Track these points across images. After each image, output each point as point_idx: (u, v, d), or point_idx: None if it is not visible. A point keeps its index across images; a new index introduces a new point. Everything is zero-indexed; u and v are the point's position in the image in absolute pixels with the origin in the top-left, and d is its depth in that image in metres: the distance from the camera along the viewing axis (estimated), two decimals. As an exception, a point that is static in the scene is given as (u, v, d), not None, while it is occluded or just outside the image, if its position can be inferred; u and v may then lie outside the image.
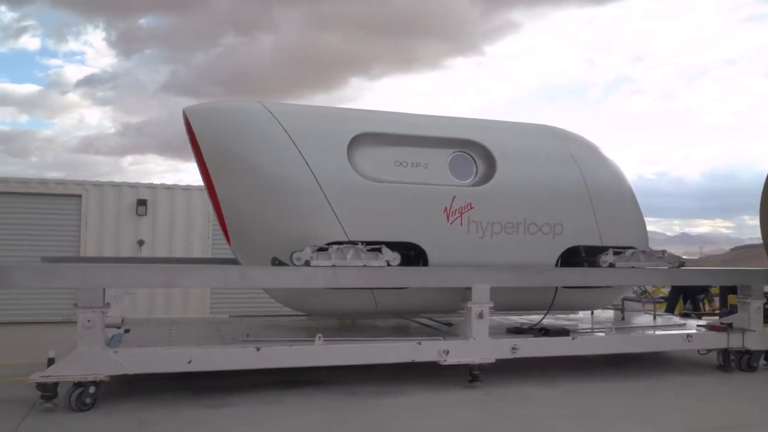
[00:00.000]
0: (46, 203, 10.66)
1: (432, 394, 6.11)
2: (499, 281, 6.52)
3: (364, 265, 6.13)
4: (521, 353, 6.51)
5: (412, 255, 6.63)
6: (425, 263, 6.59)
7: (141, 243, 10.88)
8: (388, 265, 6.24)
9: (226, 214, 6.43)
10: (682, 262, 7.46)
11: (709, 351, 7.62)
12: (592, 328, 7.50)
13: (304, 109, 6.77)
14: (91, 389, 5.31)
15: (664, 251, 7.41)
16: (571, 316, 8.70)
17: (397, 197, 6.47)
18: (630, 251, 7.19)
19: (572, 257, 7.25)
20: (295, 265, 5.96)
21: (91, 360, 5.29)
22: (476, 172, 6.95)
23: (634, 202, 7.56)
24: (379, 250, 6.24)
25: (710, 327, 7.48)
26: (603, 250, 7.11)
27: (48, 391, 5.29)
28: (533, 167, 7.05)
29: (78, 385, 5.29)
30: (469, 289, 6.35)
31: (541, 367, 7.03)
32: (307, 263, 5.97)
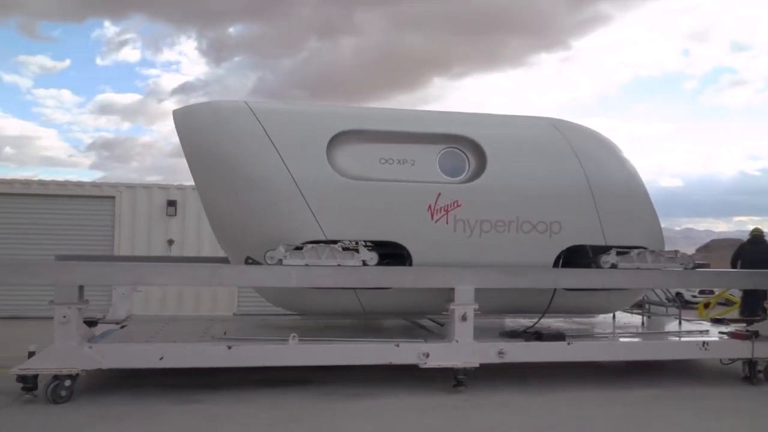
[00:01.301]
0: (83, 205, 11.22)
1: (409, 397, 5.91)
2: (485, 282, 6.22)
3: (339, 265, 6.02)
4: (509, 358, 6.19)
5: (405, 255, 6.46)
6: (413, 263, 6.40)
7: (171, 242, 11.25)
8: (365, 264, 6.11)
9: (208, 213, 6.50)
10: (696, 264, 6.85)
11: (733, 361, 6.96)
12: (614, 332, 7.00)
13: (288, 107, 6.73)
14: (67, 382, 5.49)
15: (676, 252, 6.82)
16: (590, 320, 8.20)
17: (378, 195, 6.30)
18: (636, 251, 6.68)
19: (578, 257, 6.83)
20: (268, 264, 5.94)
21: (67, 354, 5.48)
22: (468, 169, 6.67)
23: (645, 199, 7.01)
24: (356, 249, 6.12)
25: (733, 335, 6.83)
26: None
27: (28, 383, 5.54)
28: (528, 162, 6.67)
29: (55, 378, 5.50)
30: (452, 290, 6.11)
31: (545, 374, 6.68)
32: (280, 262, 5.94)
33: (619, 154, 7.12)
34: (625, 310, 8.51)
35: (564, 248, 6.69)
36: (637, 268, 6.61)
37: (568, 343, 6.34)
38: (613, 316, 8.46)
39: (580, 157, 6.74)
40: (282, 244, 6.00)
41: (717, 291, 10.83)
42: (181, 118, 6.37)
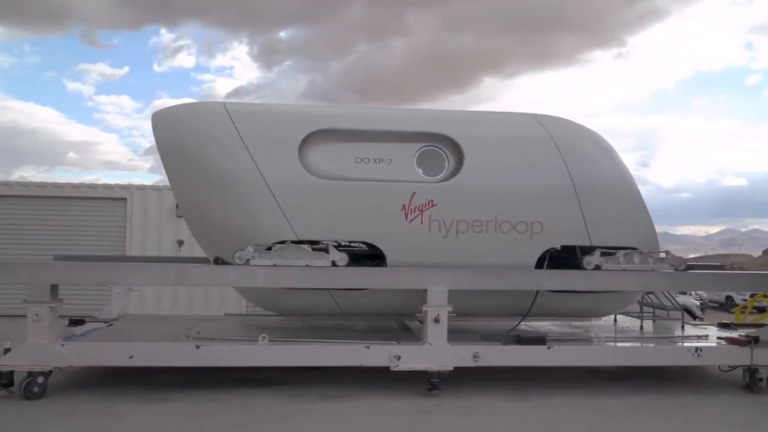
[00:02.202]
0: (96, 206, 11.55)
1: (382, 400, 5.81)
2: (459, 284, 6.06)
3: (307, 265, 5.97)
4: (484, 362, 6.00)
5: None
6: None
7: (180, 243, 11.45)
8: (334, 265, 6.04)
9: (183, 213, 6.55)
10: (688, 266, 6.49)
11: (732, 368, 6.58)
12: (599, 336, 6.71)
13: (263, 108, 6.70)
14: (40, 379, 5.62)
15: (666, 252, 6.49)
16: (591, 323, 7.90)
17: (350, 195, 6.22)
18: (622, 252, 6.39)
19: (572, 259, 6.59)
20: (236, 264, 5.94)
21: (39, 352, 5.61)
22: (447, 168, 6.52)
23: (635, 198, 6.69)
24: (326, 249, 6.06)
25: (730, 340, 6.45)
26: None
27: (3, 379, 5.68)
28: (508, 160, 6.46)
29: (29, 374, 5.63)
30: (425, 291, 5.98)
31: (534, 378, 6.46)
32: (248, 262, 5.93)
33: (608, 152, 6.82)
34: (627, 314, 8.18)
35: (546, 249, 6.46)
36: (623, 270, 6.32)
37: (548, 347, 6.10)
38: (615, 320, 8.16)
39: (564, 155, 6.49)
40: (251, 244, 6.00)
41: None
42: (158, 119, 6.43)
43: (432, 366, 5.92)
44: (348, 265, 6.20)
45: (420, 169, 6.50)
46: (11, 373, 5.70)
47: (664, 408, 5.77)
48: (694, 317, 12.30)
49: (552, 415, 5.47)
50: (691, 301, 14.17)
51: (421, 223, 6.27)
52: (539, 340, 6.22)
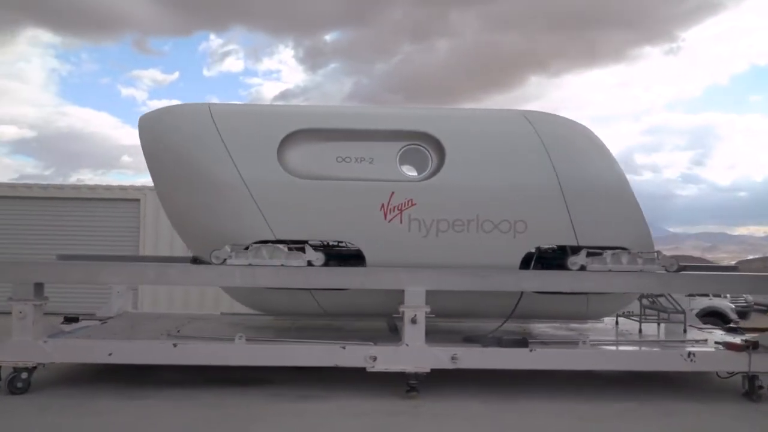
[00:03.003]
0: (111, 207, 11.87)
1: (358, 401, 5.74)
2: (438, 284, 5.95)
3: (282, 265, 5.97)
4: (463, 364, 5.87)
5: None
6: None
7: None
8: (310, 264, 6.02)
9: (167, 213, 6.64)
10: (681, 267, 6.20)
11: (732, 374, 6.27)
12: (586, 339, 6.50)
13: (246, 108, 6.73)
14: (23, 375, 5.77)
15: (657, 252, 6.22)
16: (593, 326, 7.67)
17: (328, 194, 6.18)
18: (610, 252, 6.16)
19: (562, 259, 6.40)
20: (213, 263, 5.98)
21: (22, 348, 5.76)
22: (430, 166, 6.42)
23: (626, 196, 6.44)
24: (302, 249, 6.04)
25: (728, 345, 6.13)
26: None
27: (-13, 374, 5.88)
28: (490, 158, 6.31)
29: (14, 370, 5.80)
30: (403, 291, 5.90)
31: (525, 381, 6.30)
32: (225, 262, 5.97)
33: (599, 149, 6.58)
34: (632, 316, 7.89)
35: (530, 249, 6.29)
36: (609, 271, 6.09)
37: (530, 350, 5.93)
38: (616, 322, 7.89)
39: (550, 153, 6.30)
40: (228, 243, 6.03)
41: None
42: (144, 121, 6.53)
43: (408, 367, 5.83)
44: (326, 264, 6.18)
45: (403, 168, 6.44)
46: (-2, 368, 5.89)
47: (646, 416, 5.52)
48: (728, 321, 11.80)
49: (526, 422, 5.30)
50: (726, 304, 13.59)
51: (401, 222, 6.19)
52: (521, 342, 6.04)
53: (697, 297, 12.54)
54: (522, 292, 6.32)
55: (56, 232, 11.86)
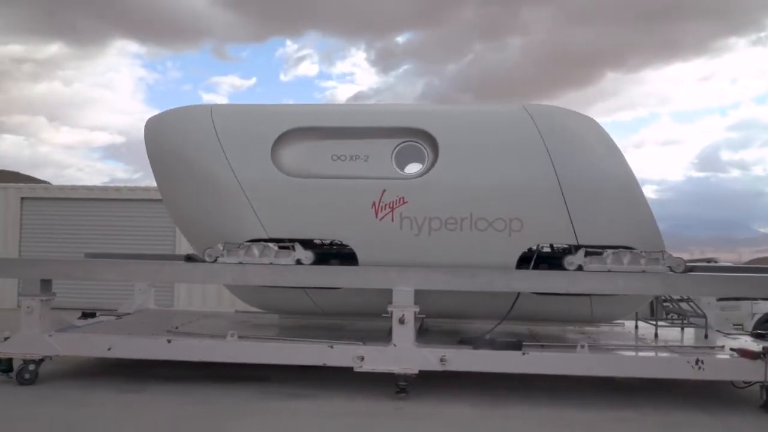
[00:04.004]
0: (149, 207, 12.32)
1: (343, 401, 5.70)
2: (427, 284, 5.83)
3: (271, 263, 6.01)
4: (452, 366, 5.72)
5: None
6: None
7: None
8: (299, 263, 6.03)
9: (170, 213, 6.81)
10: (688, 267, 5.79)
11: (748, 384, 5.81)
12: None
13: (243, 108, 6.77)
14: (31, 367, 6.06)
15: (662, 252, 5.83)
16: (608, 329, 7.31)
17: (320, 193, 6.17)
18: (610, 252, 5.84)
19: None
20: (206, 261, 6.10)
21: (30, 342, 6.06)
22: (426, 164, 6.30)
23: (631, 192, 6.08)
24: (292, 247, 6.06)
25: (741, 352, 5.69)
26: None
27: (2, 365, 6.21)
28: (485, 154, 6.11)
29: (24, 362, 6.11)
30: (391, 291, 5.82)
31: (529, 384, 6.06)
32: (217, 260, 6.07)
33: (604, 144, 6.23)
34: (648, 320, 7.48)
35: (527, 248, 6.05)
36: (608, 271, 5.77)
37: (523, 353, 5.71)
38: (636, 326, 7.48)
39: (549, 147, 6.03)
40: (221, 242, 6.13)
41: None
42: (149, 124, 6.73)
43: (396, 368, 5.73)
44: (321, 263, 6.18)
45: (398, 166, 6.33)
46: (10, 360, 6.21)
47: (648, 427, 5.20)
48: None
49: (507, 428, 5.11)
50: None
51: (392, 220, 6.10)
52: (514, 345, 5.82)
53: (760, 301, 11.70)
54: (518, 293, 6.09)
55: (101, 232, 12.44)
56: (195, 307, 11.84)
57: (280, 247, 6.13)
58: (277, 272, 5.99)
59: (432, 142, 6.24)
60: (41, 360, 6.13)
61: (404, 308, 5.77)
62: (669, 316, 7.31)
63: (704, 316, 6.72)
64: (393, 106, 6.74)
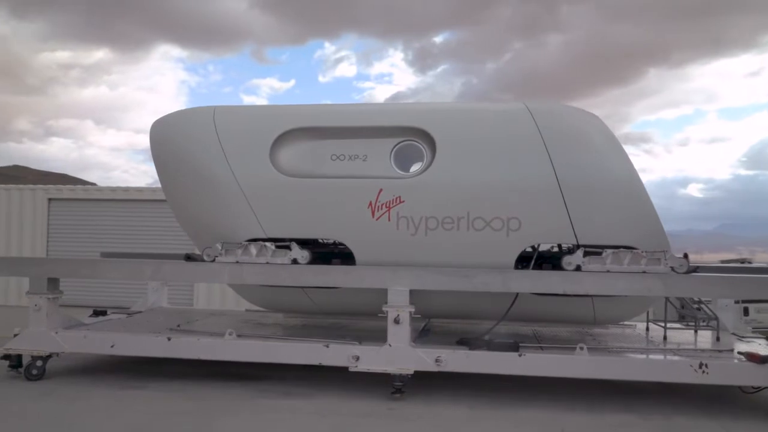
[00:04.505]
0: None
1: (335, 401, 5.68)
2: (421, 284, 5.78)
3: (267, 263, 6.05)
4: (447, 367, 5.66)
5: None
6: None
7: None
8: (295, 262, 6.05)
9: (175, 214, 6.92)
10: (692, 268, 5.58)
11: (757, 389, 5.59)
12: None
13: (245, 110, 6.82)
14: (38, 363, 6.24)
15: (664, 252, 5.64)
16: (623, 331, 7.13)
17: (317, 193, 6.18)
18: (610, 252, 5.69)
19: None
20: (204, 261, 6.17)
21: (37, 338, 6.24)
22: (425, 163, 6.25)
23: (635, 192, 5.90)
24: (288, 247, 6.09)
25: (748, 356, 5.47)
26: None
27: (13, 361, 6.40)
28: (482, 153, 6.02)
29: (32, 358, 6.29)
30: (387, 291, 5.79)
31: (533, 385, 5.97)
32: (215, 259, 6.14)
33: (606, 142, 6.06)
34: (657, 323, 7.25)
35: (525, 247, 5.95)
36: (607, 272, 5.62)
37: (520, 355, 5.60)
38: (647, 328, 7.27)
39: (548, 145, 5.91)
40: (219, 241, 6.20)
41: None
42: (154, 126, 6.85)
43: (390, 369, 5.70)
44: (321, 262, 6.20)
45: (398, 165, 6.29)
46: (19, 356, 6.41)
47: (643, 431, 5.06)
48: None
49: (502, 430, 5.03)
50: None
51: (389, 220, 6.07)
52: (511, 346, 5.72)
53: None
54: (517, 294, 5.99)
55: (127, 232, 12.74)
56: (213, 306, 12.00)
57: (278, 247, 6.17)
58: (272, 271, 6.02)
59: (430, 141, 6.19)
60: (48, 356, 6.30)
61: (399, 308, 5.73)
62: (682, 318, 7.07)
63: (716, 318, 6.49)
64: (392, 105, 6.72)
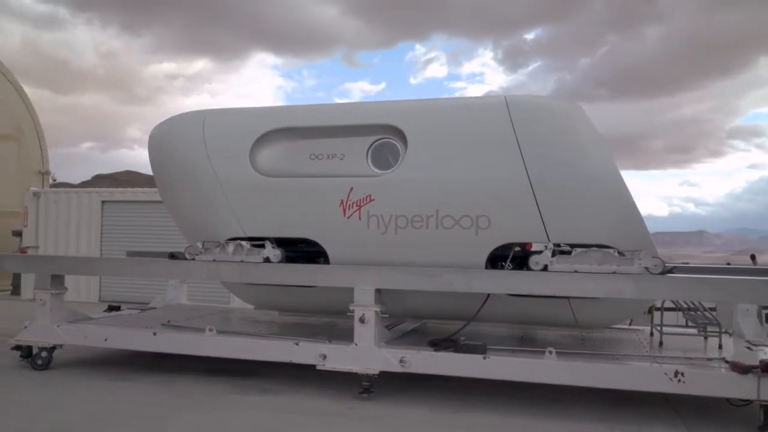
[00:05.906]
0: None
1: (303, 398, 5.75)
2: (387, 283, 5.73)
3: (242, 261, 6.20)
4: (411, 368, 5.59)
5: None
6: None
7: None
8: (267, 261, 6.16)
9: (172, 216, 7.23)
10: (667, 269, 5.18)
11: (746, 402, 5.13)
12: (550, 349, 5.72)
13: (230, 111, 6.92)
14: (43, 354, 6.71)
15: (638, 251, 5.27)
16: (618, 335, 6.76)
17: (291, 192, 6.27)
18: (579, 251, 5.40)
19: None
20: (186, 259, 6.41)
21: (42, 331, 6.71)
22: (400, 160, 6.20)
23: (613, 189, 5.56)
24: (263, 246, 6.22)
25: (732, 365, 5.03)
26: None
27: (23, 351, 6.91)
28: (452, 149, 5.87)
29: (39, 349, 6.78)
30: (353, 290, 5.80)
31: (511, 391, 5.86)
32: (195, 258, 6.37)
33: (586, 137, 5.74)
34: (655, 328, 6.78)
35: (496, 246, 5.75)
36: (575, 272, 5.33)
37: (485, 357, 5.44)
38: (651, 333, 6.83)
39: (521, 141, 5.67)
40: (200, 240, 6.43)
41: None
42: (152, 131, 7.18)
43: (356, 368, 5.70)
44: (295, 261, 6.30)
45: (375, 164, 6.27)
46: (29, 347, 6.91)
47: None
48: None
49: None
50: None
51: (359, 218, 6.06)
52: (478, 348, 5.55)
53: None
54: (488, 294, 5.80)
55: (169, 231, 13.37)
56: (237, 305, 12.33)
57: (254, 245, 6.31)
58: (245, 270, 6.18)
59: (403, 138, 6.12)
60: (53, 348, 6.76)
61: (365, 307, 5.71)
62: (688, 324, 6.58)
63: (718, 324, 6.01)
64: (369, 104, 6.66)
